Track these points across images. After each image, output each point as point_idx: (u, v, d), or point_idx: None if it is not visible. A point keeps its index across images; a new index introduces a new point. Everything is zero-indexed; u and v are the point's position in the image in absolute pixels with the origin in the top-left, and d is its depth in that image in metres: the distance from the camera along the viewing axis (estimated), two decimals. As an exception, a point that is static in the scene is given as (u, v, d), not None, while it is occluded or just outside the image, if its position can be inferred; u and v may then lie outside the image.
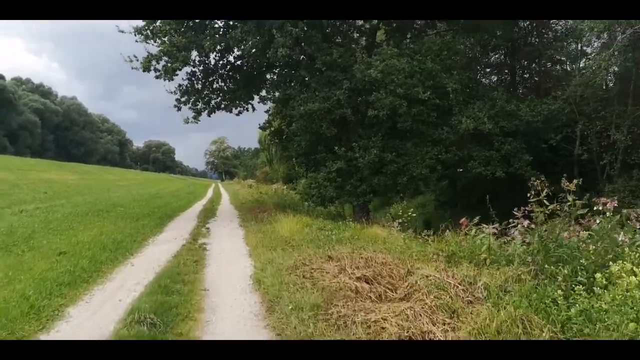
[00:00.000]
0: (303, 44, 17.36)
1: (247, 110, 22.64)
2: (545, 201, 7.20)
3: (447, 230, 10.30)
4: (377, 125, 17.37)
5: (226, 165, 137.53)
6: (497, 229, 8.32)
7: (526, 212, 7.55)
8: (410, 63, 16.30)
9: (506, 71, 25.31)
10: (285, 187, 38.71)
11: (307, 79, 17.61)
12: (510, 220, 8.20)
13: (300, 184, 18.54)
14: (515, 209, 7.90)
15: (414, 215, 30.33)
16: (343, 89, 16.72)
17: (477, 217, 9.16)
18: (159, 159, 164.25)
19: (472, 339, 5.04)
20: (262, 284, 7.88)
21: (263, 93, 22.50)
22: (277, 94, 18.31)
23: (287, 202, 23.28)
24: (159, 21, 17.03)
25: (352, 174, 17.69)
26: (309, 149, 18.24)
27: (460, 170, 17.77)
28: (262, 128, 21.95)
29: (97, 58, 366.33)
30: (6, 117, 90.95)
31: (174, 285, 7.95)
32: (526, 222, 7.62)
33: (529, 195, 7.21)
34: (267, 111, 20.68)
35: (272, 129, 21.98)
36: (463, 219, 9.41)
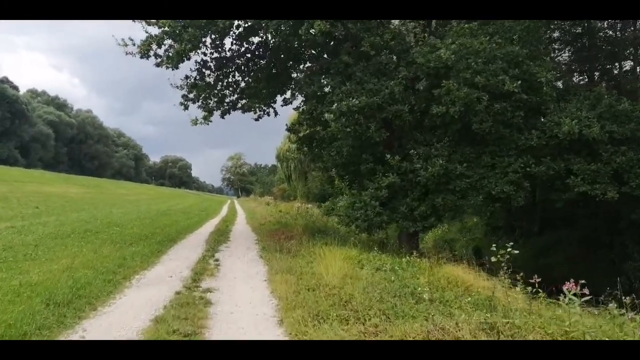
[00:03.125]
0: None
1: (268, 115, 18.62)
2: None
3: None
4: (442, 127, 13.21)
5: (242, 181, 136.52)
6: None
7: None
8: (489, 44, 12.17)
9: (586, 67, 20.98)
10: (309, 205, 34.50)
11: (350, 67, 13.52)
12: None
13: (336, 202, 14.29)
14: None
15: (463, 241, 25.87)
16: (399, 78, 12.63)
17: None
18: (175, 174, 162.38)
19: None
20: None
21: (287, 95, 18.55)
22: (309, 88, 14.20)
23: (316, 225, 19.09)
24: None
25: (407, 191, 13.52)
26: (351, 158, 14.05)
27: (552, 188, 13.32)
28: (290, 130, 17.71)
29: (117, 74, 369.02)
30: (18, 129, 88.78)
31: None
32: None
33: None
34: (296, 108, 16.53)
35: (300, 134, 17.82)
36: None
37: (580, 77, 21.43)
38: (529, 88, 12.57)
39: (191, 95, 16.49)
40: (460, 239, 28.47)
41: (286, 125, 17.47)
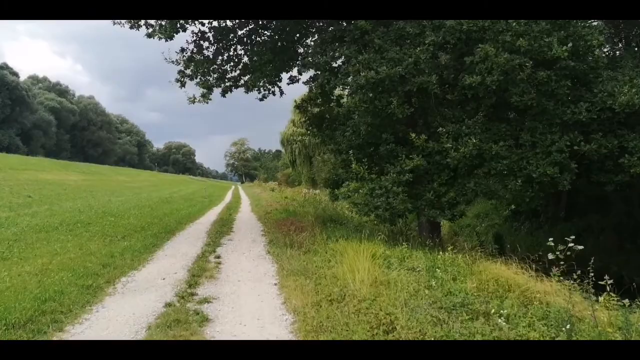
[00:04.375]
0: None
1: (273, 94, 16.93)
2: None
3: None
4: (474, 101, 11.47)
5: (246, 167, 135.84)
6: None
7: None
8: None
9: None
10: (316, 192, 32.85)
11: (367, 33, 11.77)
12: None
13: (349, 188, 12.54)
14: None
15: (481, 227, 24.14)
16: (426, 44, 10.88)
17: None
18: (179, 161, 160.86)
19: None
20: None
21: (294, 72, 16.84)
22: (321, 58, 12.45)
23: (327, 213, 17.46)
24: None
25: (433, 175, 11.85)
26: (369, 138, 12.31)
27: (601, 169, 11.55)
28: (299, 107, 15.92)
29: (121, 61, 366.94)
30: (19, 116, 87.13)
31: None
32: None
33: None
34: (306, 82, 14.71)
35: (309, 114, 16.08)
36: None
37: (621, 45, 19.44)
38: (576, 53, 10.82)
39: (188, 71, 14.82)
40: (477, 225, 26.75)
41: (294, 101, 15.79)
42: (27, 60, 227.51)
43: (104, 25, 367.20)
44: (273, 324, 5.83)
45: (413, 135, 11.31)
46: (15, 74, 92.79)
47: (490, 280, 7.18)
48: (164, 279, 8.52)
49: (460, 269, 7.94)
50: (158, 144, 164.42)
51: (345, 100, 15.44)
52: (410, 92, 11.48)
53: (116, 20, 12.77)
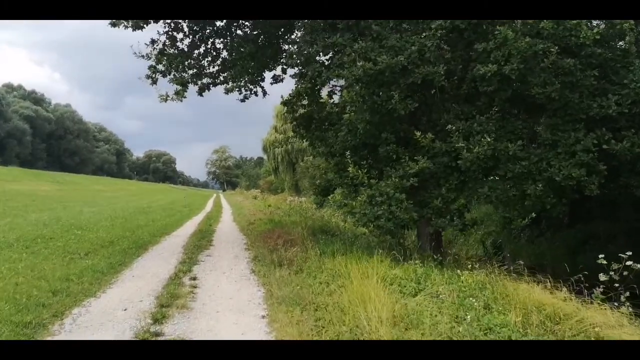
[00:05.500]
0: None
1: (256, 95, 15.35)
2: None
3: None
4: (485, 95, 10.05)
5: (228, 175, 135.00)
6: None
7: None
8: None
9: None
10: (302, 199, 31.23)
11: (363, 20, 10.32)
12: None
13: (344, 196, 10.98)
14: None
15: (476, 235, 22.72)
16: (432, 29, 9.45)
17: None
18: (159, 169, 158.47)
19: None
20: None
21: (278, 72, 15.32)
22: (311, 48, 10.90)
23: (317, 223, 15.90)
24: None
25: (440, 179, 10.42)
26: (367, 138, 10.79)
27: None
28: (286, 103, 14.30)
29: (100, 69, 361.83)
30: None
31: None
32: None
33: None
34: (294, 76, 13.10)
35: (295, 114, 14.52)
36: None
37: None
38: (605, 39, 9.48)
39: (160, 66, 13.21)
40: (472, 233, 25.35)
41: (281, 97, 14.12)
42: (4, 69, 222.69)
43: (82, 33, 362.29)
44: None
45: (418, 134, 9.85)
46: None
47: (533, 310, 5.73)
48: (125, 309, 6.93)
49: (489, 292, 6.49)
50: (138, 153, 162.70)
51: (335, 97, 13.91)
52: (414, 85, 10.03)
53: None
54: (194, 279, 8.99)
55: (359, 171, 9.97)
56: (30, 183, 42.53)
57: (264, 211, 25.12)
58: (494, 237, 22.66)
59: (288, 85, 14.42)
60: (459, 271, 7.61)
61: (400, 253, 9.31)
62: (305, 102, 14.42)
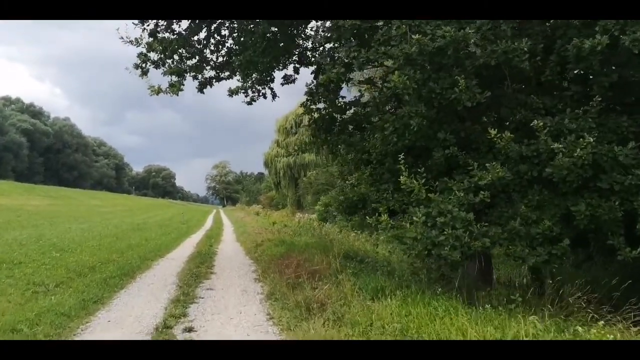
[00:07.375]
0: None
1: (265, 97, 12.98)
2: None
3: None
4: (577, 83, 7.58)
5: (228, 190, 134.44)
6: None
7: None
8: None
9: None
10: (312, 216, 28.55)
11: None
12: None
13: (387, 216, 8.26)
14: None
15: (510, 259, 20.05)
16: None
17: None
18: (158, 184, 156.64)
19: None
20: None
21: (289, 71, 13.00)
22: (345, 22, 8.40)
23: (338, 245, 13.31)
24: None
25: (513, 194, 7.90)
26: (419, 139, 8.17)
27: None
28: (308, 93, 11.63)
29: (100, 84, 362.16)
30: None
31: None
32: None
33: None
34: (322, 55, 10.46)
35: (314, 114, 12.00)
36: None
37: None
38: None
39: (154, 55, 10.79)
40: (503, 256, 22.67)
41: (306, 85, 11.54)
42: (4, 85, 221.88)
43: (83, 48, 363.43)
44: None
45: (493, 132, 7.32)
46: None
47: None
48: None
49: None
50: (138, 168, 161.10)
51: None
52: (484, 69, 7.57)
53: None
54: (190, 329, 6.41)
55: (415, 181, 7.39)
56: (19, 197, 39.96)
57: (270, 229, 22.55)
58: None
59: (294, 90, 12.05)
60: (579, 327, 5.20)
61: (445, 287, 6.86)
62: (321, 105, 12.04)
